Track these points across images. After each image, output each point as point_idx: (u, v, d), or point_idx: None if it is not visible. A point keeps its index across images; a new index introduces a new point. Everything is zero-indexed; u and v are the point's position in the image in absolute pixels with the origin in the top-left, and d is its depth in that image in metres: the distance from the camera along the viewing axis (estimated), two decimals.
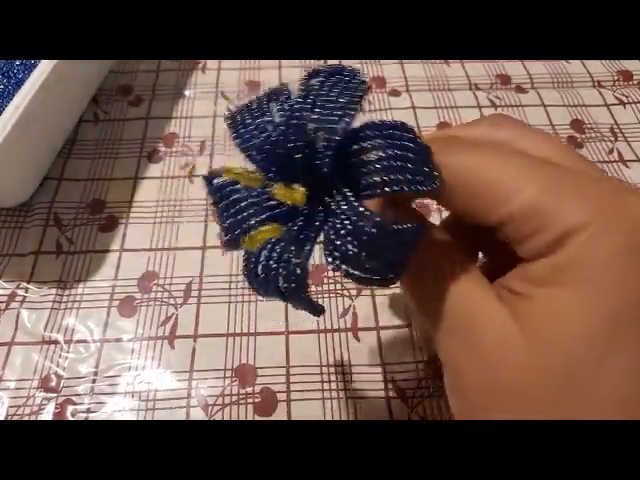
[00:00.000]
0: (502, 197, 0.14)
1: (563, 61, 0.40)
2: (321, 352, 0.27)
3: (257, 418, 0.25)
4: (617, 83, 0.39)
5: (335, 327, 0.27)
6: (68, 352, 0.27)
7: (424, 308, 0.16)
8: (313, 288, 0.29)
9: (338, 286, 0.29)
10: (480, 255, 0.21)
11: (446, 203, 0.15)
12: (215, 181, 0.16)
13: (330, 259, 0.13)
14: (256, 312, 0.28)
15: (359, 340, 0.27)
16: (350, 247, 0.13)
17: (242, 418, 0.25)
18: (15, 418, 0.25)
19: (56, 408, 0.25)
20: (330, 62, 0.15)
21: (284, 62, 0.40)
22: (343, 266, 0.13)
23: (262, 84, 0.39)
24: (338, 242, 0.13)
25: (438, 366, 0.26)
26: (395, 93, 0.38)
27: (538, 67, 0.40)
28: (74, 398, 0.25)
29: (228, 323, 0.28)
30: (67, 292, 0.29)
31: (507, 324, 0.13)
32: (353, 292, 0.29)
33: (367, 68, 0.40)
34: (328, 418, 0.25)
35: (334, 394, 0.25)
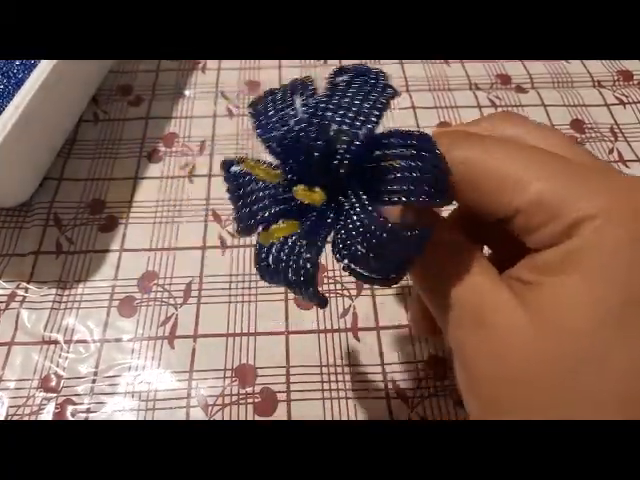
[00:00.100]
0: (513, 189, 0.14)
1: (563, 61, 0.40)
2: (321, 352, 0.27)
3: (257, 418, 0.25)
4: (617, 83, 0.39)
5: (335, 327, 0.27)
6: (68, 352, 0.27)
7: (434, 299, 0.16)
8: None
9: (338, 286, 0.29)
10: (485, 249, 0.21)
11: (456, 197, 0.16)
12: (233, 168, 0.16)
13: (338, 256, 0.14)
14: (256, 312, 0.28)
15: (359, 340, 0.27)
16: (360, 248, 0.13)
17: (242, 418, 0.25)
18: (15, 418, 0.25)
19: (56, 408, 0.25)
20: (351, 62, 0.15)
21: (284, 62, 0.40)
22: (352, 265, 0.14)
23: (262, 84, 0.39)
24: (348, 242, 0.13)
25: (438, 366, 0.26)
26: None
27: (538, 67, 0.40)
28: (74, 398, 0.25)
29: (228, 323, 0.28)
30: (67, 292, 0.29)
31: (517, 314, 0.14)
32: (353, 292, 0.29)
33: None
34: (328, 418, 0.25)
35: (334, 394, 0.25)
